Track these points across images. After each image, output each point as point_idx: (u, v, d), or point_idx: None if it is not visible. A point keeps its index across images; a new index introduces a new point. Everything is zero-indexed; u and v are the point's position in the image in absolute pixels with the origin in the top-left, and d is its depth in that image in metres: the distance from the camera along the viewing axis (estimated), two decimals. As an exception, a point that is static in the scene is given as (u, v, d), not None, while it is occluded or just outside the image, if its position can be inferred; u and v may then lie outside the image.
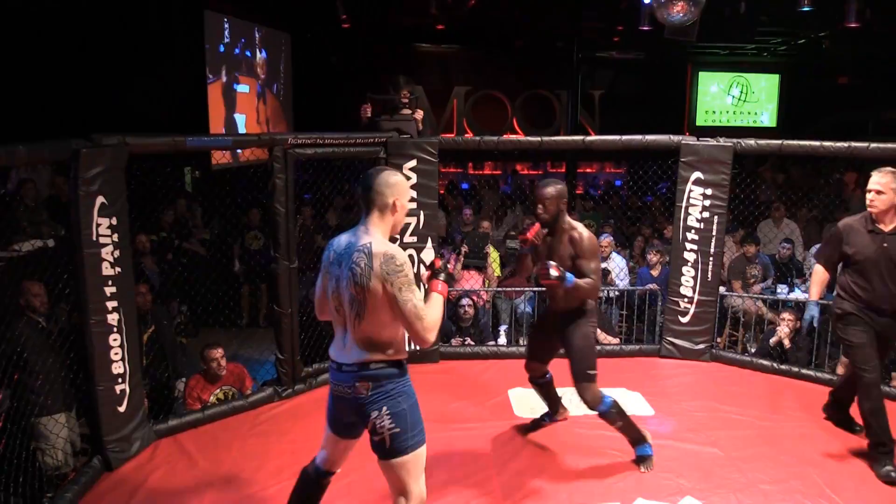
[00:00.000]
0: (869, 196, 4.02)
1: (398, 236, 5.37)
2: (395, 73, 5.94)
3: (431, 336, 2.66)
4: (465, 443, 4.31)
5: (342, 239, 2.76)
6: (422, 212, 5.44)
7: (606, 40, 12.72)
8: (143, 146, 4.18)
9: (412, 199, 5.38)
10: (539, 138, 5.62)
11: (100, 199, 3.83)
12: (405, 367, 2.79)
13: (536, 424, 4.52)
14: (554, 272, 3.60)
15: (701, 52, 13.71)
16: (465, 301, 6.05)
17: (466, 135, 12.10)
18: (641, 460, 3.99)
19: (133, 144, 4.04)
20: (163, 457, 4.17)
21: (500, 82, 13.22)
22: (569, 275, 3.66)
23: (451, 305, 6.15)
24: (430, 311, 2.67)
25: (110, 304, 3.93)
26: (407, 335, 2.72)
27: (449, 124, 13.21)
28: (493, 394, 5.06)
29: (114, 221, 3.92)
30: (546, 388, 4.40)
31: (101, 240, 3.86)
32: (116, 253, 3.95)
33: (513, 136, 7.41)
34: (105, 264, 3.89)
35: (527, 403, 4.89)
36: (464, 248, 6.50)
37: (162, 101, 8.45)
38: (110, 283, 3.92)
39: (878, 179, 3.99)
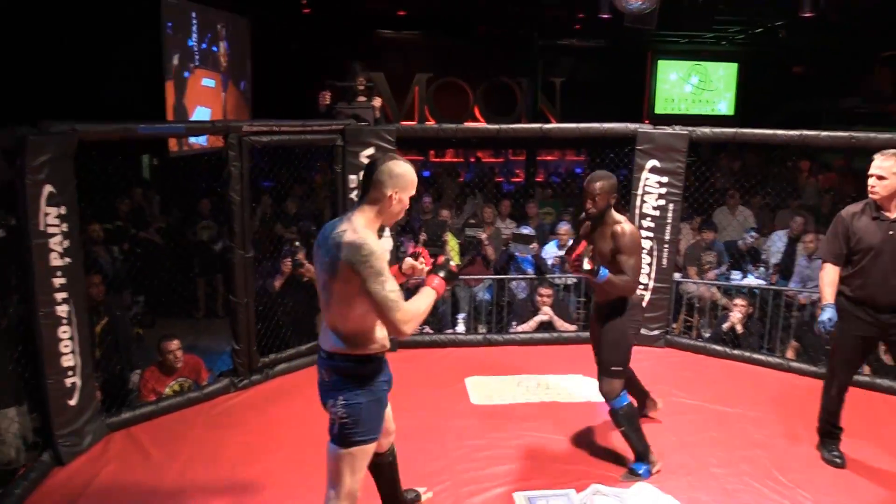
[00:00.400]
0: (870, 182, 3.73)
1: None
2: (355, 60, 5.87)
3: (407, 328, 2.56)
4: (421, 431, 4.32)
5: (332, 223, 2.73)
6: (379, 200, 5.41)
7: (567, 28, 12.74)
8: (94, 133, 4.08)
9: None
10: (497, 126, 5.63)
11: (47, 188, 3.73)
12: (375, 363, 2.74)
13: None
14: (586, 265, 3.52)
15: (660, 41, 13.81)
16: (424, 289, 6.04)
17: (428, 122, 12.06)
18: (631, 473, 3.83)
19: (83, 131, 3.94)
20: (116, 450, 4.11)
21: (462, 70, 13.14)
22: (602, 269, 3.56)
23: (409, 293, 6.13)
24: (412, 303, 2.60)
25: (60, 296, 3.85)
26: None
27: (410, 112, 13.11)
28: (450, 382, 5.08)
29: (63, 211, 3.83)
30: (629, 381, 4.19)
31: (50, 230, 3.77)
32: (66, 243, 3.86)
33: (471, 124, 7.37)
34: (53, 255, 3.80)
35: (484, 391, 4.93)
36: (422, 237, 6.49)
37: (122, 92, 8.27)
38: (59, 273, 3.83)
39: (879, 164, 3.70)
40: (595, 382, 5.02)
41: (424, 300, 2.66)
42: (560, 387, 5.02)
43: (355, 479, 2.77)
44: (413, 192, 2.70)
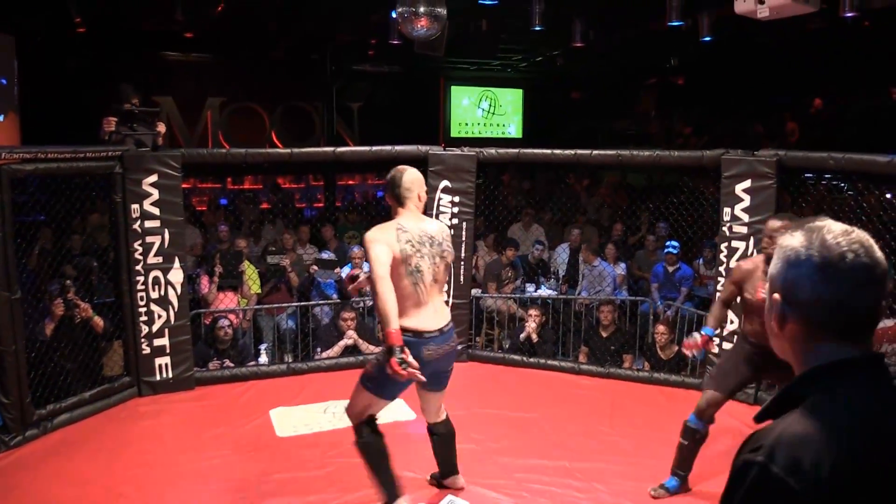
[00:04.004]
0: None
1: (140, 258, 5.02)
2: (126, 82, 5.51)
3: None
4: (223, 470, 4.11)
5: (419, 221, 3.35)
6: (166, 230, 5.11)
7: (361, 53, 12.89)
8: None
9: (155, 217, 5.08)
10: (289, 150, 5.55)
11: None
12: None
13: None
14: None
15: (452, 67, 14.40)
16: (223, 322, 5.78)
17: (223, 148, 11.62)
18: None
19: None
20: None
21: (257, 94, 12.88)
22: None
23: (209, 328, 5.85)
24: None
25: None
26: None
27: (204, 137, 12.61)
28: (253, 416, 4.88)
29: None
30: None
31: None
32: None
33: (263, 149, 7.19)
34: None
35: (289, 422, 4.78)
36: (218, 269, 6.20)
37: None
38: None
39: None
40: (402, 402, 5.10)
41: None
42: (367, 409, 4.98)
43: None
44: (425, 187, 3.46)
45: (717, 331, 3.88)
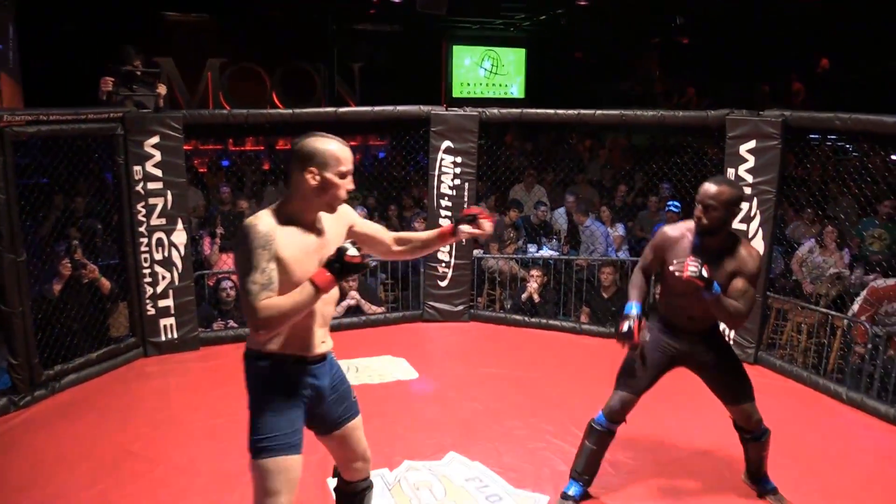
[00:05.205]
0: None
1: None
2: (128, 44, 5.47)
3: (262, 324, 2.20)
4: (230, 430, 4.16)
5: None
6: (169, 191, 5.13)
7: (362, 13, 12.74)
8: None
9: (157, 179, 5.08)
10: (290, 111, 5.53)
11: None
12: (279, 365, 2.41)
13: None
14: (704, 272, 2.90)
15: (454, 26, 14.25)
16: (226, 283, 5.82)
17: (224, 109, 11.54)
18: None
19: None
20: None
21: (257, 55, 12.77)
22: (716, 284, 2.97)
23: (213, 289, 5.90)
24: (276, 300, 2.22)
25: None
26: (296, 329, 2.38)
27: (204, 98, 12.53)
28: (258, 375, 4.93)
29: None
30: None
31: None
32: None
33: (264, 110, 7.14)
34: None
35: (294, 381, 4.84)
36: (219, 231, 6.22)
37: None
38: None
39: None
40: (405, 361, 5.16)
41: (293, 297, 2.23)
42: (371, 368, 5.05)
43: (273, 500, 2.36)
44: (344, 168, 2.32)
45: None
